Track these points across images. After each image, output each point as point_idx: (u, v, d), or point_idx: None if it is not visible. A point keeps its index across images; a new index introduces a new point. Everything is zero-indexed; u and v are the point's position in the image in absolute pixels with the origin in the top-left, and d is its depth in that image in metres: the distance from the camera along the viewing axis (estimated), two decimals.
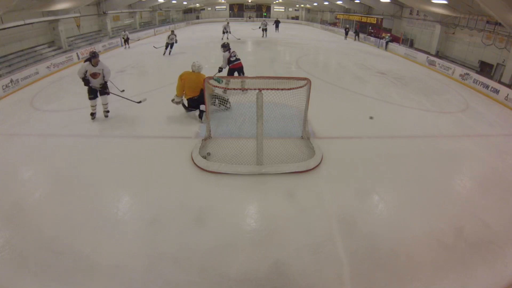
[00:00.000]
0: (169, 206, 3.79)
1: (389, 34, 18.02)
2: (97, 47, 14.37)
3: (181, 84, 6.06)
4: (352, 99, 8.15)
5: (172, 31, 14.25)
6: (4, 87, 8.23)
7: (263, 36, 20.56)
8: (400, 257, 3.14)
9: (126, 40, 16.27)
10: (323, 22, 32.53)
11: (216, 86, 5.11)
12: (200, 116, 6.19)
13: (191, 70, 6.08)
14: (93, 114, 6.31)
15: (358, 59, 14.00)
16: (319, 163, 4.71)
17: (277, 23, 24.82)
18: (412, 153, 5.34)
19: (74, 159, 4.89)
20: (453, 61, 12.95)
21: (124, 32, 16.37)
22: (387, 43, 17.41)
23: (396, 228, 3.54)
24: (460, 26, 13.04)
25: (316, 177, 4.46)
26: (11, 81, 8.57)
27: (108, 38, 17.27)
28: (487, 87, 9.46)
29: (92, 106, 6.23)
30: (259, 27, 20.95)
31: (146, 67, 11.63)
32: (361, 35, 21.21)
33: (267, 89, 4.30)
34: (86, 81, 5.89)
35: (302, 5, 38.05)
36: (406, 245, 3.30)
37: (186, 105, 6.43)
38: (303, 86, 4.77)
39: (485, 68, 11.89)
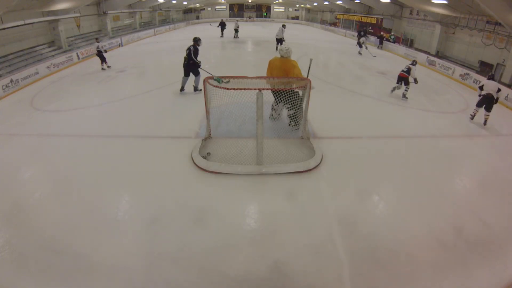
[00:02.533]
0: (169, 206, 3.79)
1: (392, 35, 18.13)
2: None
3: (269, 70, 5.53)
4: (352, 99, 8.15)
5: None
6: (4, 87, 8.23)
7: (235, 37, 19.87)
8: (400, 257, 3.14)
9: (102, 57, 10.83)
10: (323, 22, 32.52)
11: (217, 86, 5.07)
12: (292, 122, 5.65)
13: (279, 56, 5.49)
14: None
15: (358, 59, 14.00)
16: (319, 163, 4.70)
17: (222, 25, 20.47)
18: (412, 153, 5.33)
19: (74, 159, 4.89)
20: (453, 61, 12.95)
21: (98, 42, 10.94)
22: (381, 40, 17.55)
23: (396, 228, 3.54)
24: (460, 26, 13.04)
25: (316, 177, 4.46)
26: (11, 81, 8.57)
27: (108, 38, 17.26)
28: None
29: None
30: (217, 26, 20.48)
31: (146, 67, 11.62)
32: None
33: (267, 89, 4.31)
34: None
35: (302, 5, 38.05)
36: (406, 245, 3.30)
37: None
38: (303, 86, 4.78)
39: (485, 68, 11.88)
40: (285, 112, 6.15)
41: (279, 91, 4.94)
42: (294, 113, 5.42)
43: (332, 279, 2.90)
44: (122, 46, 16.99)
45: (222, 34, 20.36)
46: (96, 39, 11.61)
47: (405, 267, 3.04)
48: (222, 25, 20.53)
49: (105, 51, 11.05)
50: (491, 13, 9.61)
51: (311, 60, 5.68)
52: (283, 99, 5.06)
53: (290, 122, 5.75)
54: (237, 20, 21.73)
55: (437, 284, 2.88)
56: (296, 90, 4.93)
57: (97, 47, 10.81)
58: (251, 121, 5.56)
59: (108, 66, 11.14)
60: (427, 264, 3.07)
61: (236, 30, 19.89)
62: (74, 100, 7.65)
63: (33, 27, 12.15)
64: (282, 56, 5.44)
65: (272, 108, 6.07)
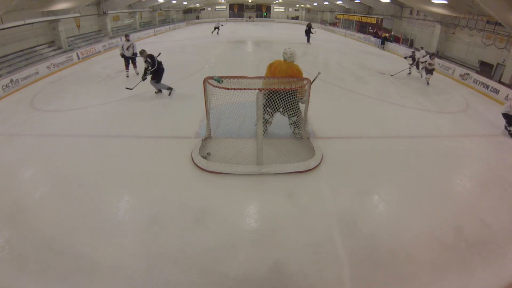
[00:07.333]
0: (169, 206, 3.79)
1: (392, 34, 18.14)
2: (97, 47, 14.37)
3: (271, 73, 5.09)
4: (352, 99, 8.15)
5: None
6: (4, 87, 8.23)
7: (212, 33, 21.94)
8: (400, 257, 3.14)
9: (128, 60, 9.62)
10: (323, 22, 32.54)
11: (217, 86, 5.05)
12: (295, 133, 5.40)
13: (282, 59, 5.16)
14: None
15: (358, 59, 14.01)
16: (319, 163, 4.70)
17: None
18: (412, 153, 5.33)
19: (74, 159, 4.89)
20: (453, 61, 12.95)
21: (128, 40, 9.36)
22: (383, 41, 17.47)
23: (396, 228, 3.54)
24: (460, 26, 13.03)
25: (316, 177, 4.46)
26: (11, 81, 8.57)
27: (108, 38, 17.26)
28: (487, 87, 9.46)
29: None
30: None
31: None
32: (361, 35, 21.14)
33: (267, 89, 4.31)
34: None
35: (302, 5, 38.05)
36: (406, 245, 3.30)
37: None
38: (303, 86, 4.78)
39: (485, 68, 11.88)
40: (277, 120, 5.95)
41: (277, 99, 4.71)
42: (296, 120, 5.21)
43: (332, 279, 2.90)
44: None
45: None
46: (126, 35, 9.52)
47: (405, 267, 3.04)
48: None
49: (135, 54, 9.26)
50: (491, 13, 9.61)
51: (319, 73, 5.49)
52: (283, 106, 4.83)
53: (294, 130, 5.48)
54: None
55: (437, 284, 2.88)
56: (295, 94, 4.73)
57: (126, 47, 9.15)
58: (251, 121, 5.57)
59: (137, 73, 9.45)
60: (427, 264, 3.07)
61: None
62: (74, 100, 7.65)
63: (33, 27, 12.15)
64: (286, 60, 5.16)
65: (265, 122, 5.34)
